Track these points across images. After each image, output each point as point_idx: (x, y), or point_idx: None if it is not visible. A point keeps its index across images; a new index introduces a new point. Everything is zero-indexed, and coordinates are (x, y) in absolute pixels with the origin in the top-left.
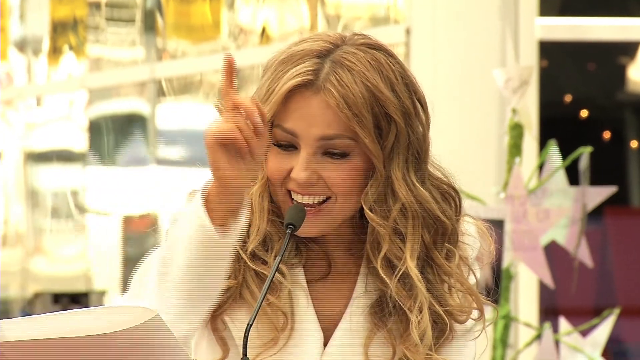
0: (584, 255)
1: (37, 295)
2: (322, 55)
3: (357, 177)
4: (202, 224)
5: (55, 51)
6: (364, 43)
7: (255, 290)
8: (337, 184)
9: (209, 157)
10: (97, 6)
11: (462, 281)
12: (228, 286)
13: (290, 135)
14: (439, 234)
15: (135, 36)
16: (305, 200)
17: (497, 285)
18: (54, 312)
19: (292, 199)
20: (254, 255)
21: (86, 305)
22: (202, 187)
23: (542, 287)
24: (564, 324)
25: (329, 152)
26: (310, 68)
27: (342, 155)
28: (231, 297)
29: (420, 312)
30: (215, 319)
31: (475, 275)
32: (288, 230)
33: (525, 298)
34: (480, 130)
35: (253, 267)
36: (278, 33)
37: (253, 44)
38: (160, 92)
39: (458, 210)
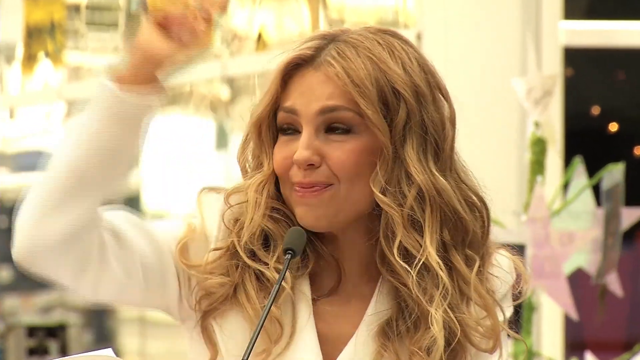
0: (614, 283)
1: (10, 329)
2: (328, 37)
3: (363, 158)
4: (102, 85)
5: (29, 58)
6: (378, 29)
7: (251, 293)
8: (341, 164)
9: (144, 27)
10: (77, 9)
11: (480, 292)
12: (221, 283)
13: (292, 115)
14: (460, 234)
15: (118, 42)
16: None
17: (518, 317)
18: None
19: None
20: (253, 254)
21: (63, 338)
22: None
23: (568, 318)
24: (590, 359)
25: (332, 127)
26: (312, 45)
27: (346, 130)
28: (222, 296)
29: (438, 308)
30: (206, 318)
31: (503, 312)
32: (287, 256)
33: (548, 330)
34: (498, 146)
35: (251, 264)
36: (276, 39)
37: (248, 51)
38: None
39: (485, 223)
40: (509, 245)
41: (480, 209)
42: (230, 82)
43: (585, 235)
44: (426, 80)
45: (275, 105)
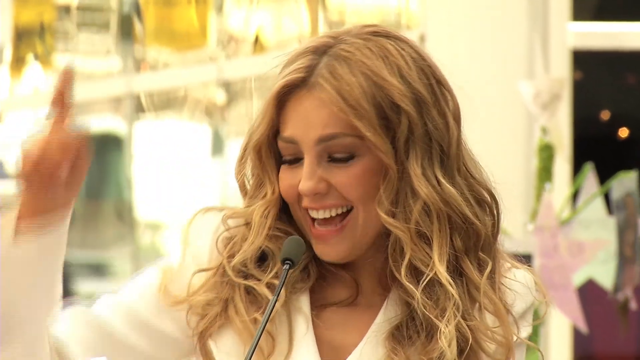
0: (628, 295)
1: None
2: (320, 50)
3: (372, 180)
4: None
5: (18, 61)
6: (370, 31)
7: (241, 307)
8: (349, 189)
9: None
10: (67, 10)
11: (491, 297)
12: (208, 301)
13: (291, 144)
14: (471, 239)
15: (110, 44)
16: (321, 215)
17: None
18: None
19: (312, 218)
20: (246, 274)
21: None
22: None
23: (577, 331)
24: None
25: (333, 156)
26: (304, 65)
27: (348, 157)
28: (214, 313)
29: (449, 322)
30: (203, 338)
31: (517, 326)
32: (285, 267)
33: (557, 344)
34: (504, 152)
35: (237, 280)
36: (274, 41)
37: (245, 53)
38: (139, 109)
39: (495, 220)
40: (515, 255)
41: (490, 205)
42: (226, 85)
43: (595, 246)
44: (426, 83)
45: (273, 130)
